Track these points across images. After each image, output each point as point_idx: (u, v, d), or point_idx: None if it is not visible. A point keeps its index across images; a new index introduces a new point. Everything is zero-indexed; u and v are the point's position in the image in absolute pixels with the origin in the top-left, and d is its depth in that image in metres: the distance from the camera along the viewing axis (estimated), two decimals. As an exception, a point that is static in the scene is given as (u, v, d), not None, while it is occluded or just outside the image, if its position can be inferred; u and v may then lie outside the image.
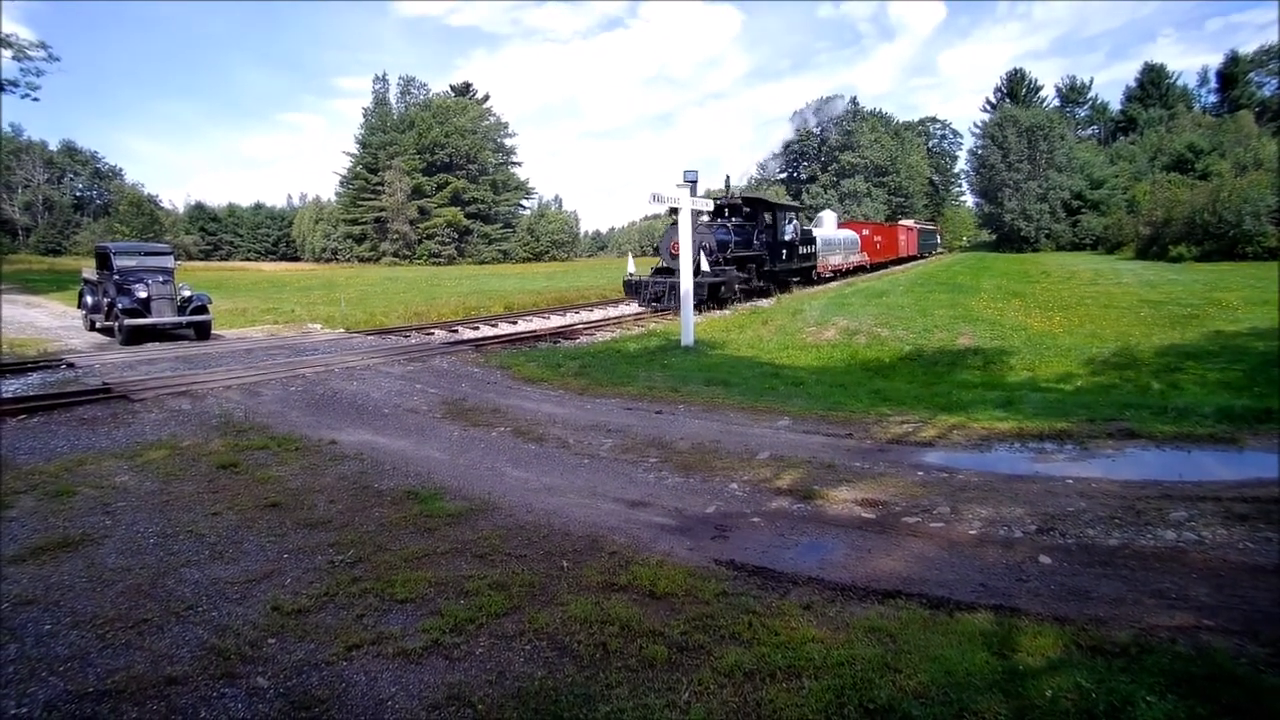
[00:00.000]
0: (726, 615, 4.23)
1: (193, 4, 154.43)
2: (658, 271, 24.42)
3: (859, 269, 44.26)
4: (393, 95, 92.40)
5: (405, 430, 8.94)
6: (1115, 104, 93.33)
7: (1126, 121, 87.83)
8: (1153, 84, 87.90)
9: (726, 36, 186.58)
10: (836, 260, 39.21)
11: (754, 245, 27.02)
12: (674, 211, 19.27)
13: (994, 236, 79.38)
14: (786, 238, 29.66)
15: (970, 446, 7.97)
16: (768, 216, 28.36)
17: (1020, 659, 3.74)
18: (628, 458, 7.76)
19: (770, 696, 3.45)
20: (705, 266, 22.23)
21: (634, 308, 25.09)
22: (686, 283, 16.68)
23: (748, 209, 27.76)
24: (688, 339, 16.26)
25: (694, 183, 18.86)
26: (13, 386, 11.61)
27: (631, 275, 24.28)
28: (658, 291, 23.04)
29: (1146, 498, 6.08)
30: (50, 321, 21.75)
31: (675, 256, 20.02)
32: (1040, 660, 3.73)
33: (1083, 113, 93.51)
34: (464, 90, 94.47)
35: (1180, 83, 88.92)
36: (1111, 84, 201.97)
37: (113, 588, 4.75)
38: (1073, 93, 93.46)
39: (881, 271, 47.85)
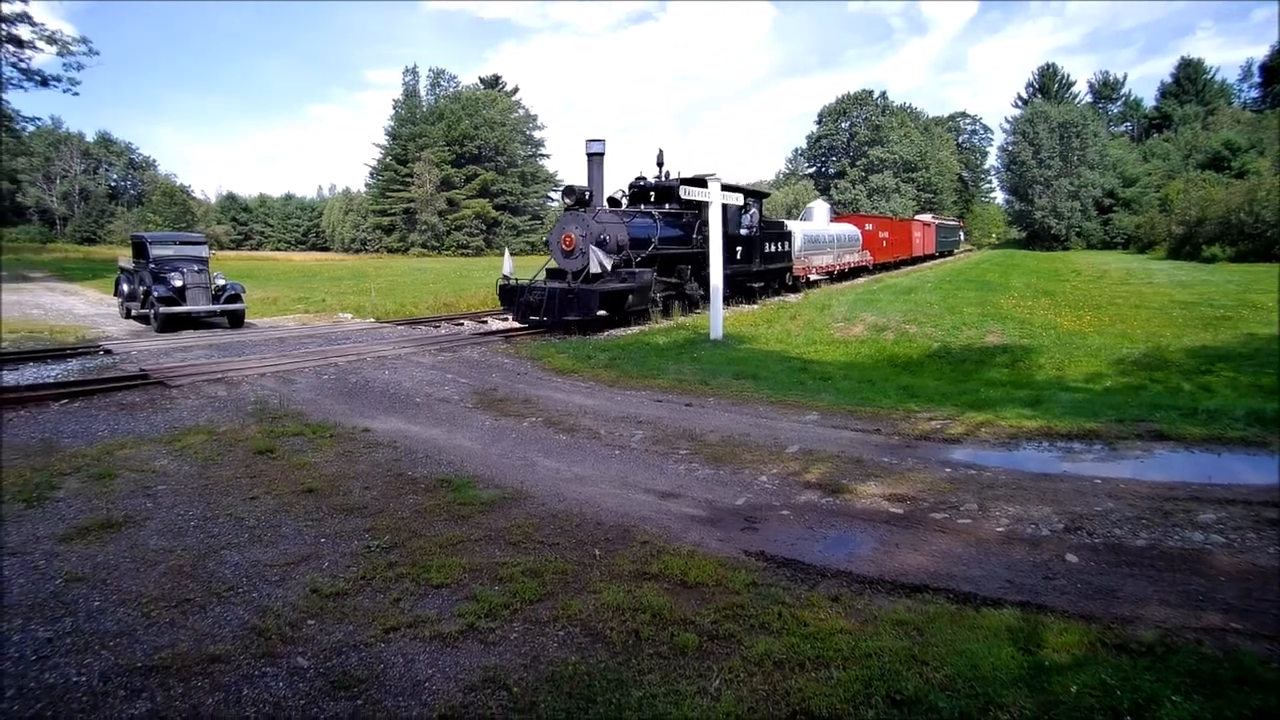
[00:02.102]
0: (756, 605, 4.30)
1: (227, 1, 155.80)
2: (551, 275, 18.89)
3: (858, 270, 37.76)
4: (423, 88, 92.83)
5: (437, 419, 9.07)
6: (1149, 100, 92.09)
7: (1160, 118, 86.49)
8: (1189, 79, 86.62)
9: (756, 32, 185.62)
10: (824, 260, 32.86)
11: (693, 242, 20.97)
12: (566, 195, 18.14)
13: (1024, 234, 78.67)
14: (742, 232, 23.05)
15: (998, 444, 7.98)
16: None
17: (1046, 655, 3.78)
18: (658, 449, 7.84)
19: (799, 685, 3.52)
20: (599, 266, 16.76)
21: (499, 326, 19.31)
22: (716, 278, 16.73)
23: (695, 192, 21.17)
24: (716, 332, 16.30)
25: (600, 154, 17.86)
26: (53, 371, 11.87)
27: (507, 279, 18.29)
28: (534, 301, 17.00)
29: (1175, 499, 6.06)
30: (87, 309, 22.14)
31: (568, 254, 17.22)
32: (1065, 657, 3.77)
33: (1115, 109, 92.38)
34: (493, 83, 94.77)
35: (1219, 78, 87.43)
36: (1145, 79, 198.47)
37: (156, 568, 4.88)
38: (1105, 89, 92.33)
39: (890, 273, 41.58)
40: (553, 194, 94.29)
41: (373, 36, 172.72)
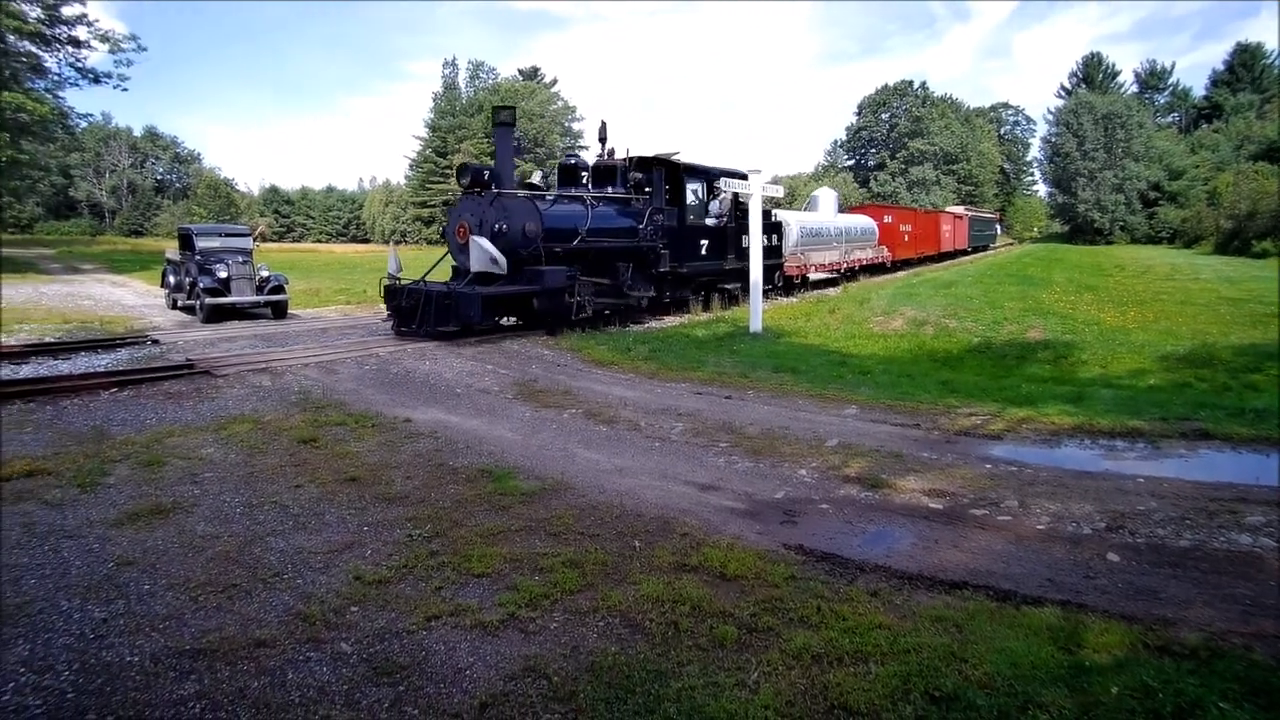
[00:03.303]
0: (795, 599, 4.32)
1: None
2: (457, 274, 15.57)
3: (871, 268, 33.43)
4: (462, 80, 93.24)
5: (478, 410, 9.16)
6: (1199, 89, 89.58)
7: (1210, 108, 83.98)
8: (1244, 66, 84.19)
9: (795, 19, 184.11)
10: (828, 256, 28.70)
11: (641, 233, 17.24)
12: (460, 175, 15.06)
13: (1066, 228, 77.38)
14: (708, 221, 19.38)
15: (1039, 441, 7.90)
16: (670, 189, 18.24)
17: (1086, 655, 3.76)
18: (698, 441, 7.88)
19: (837, 680, 3.53)
20: (483, 263, 13.78)
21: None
22: (756, 272, 16.70)
23: (639, 175, 18.00)
24: (756, 325, 16.29)
25: (508, 124, 15.06)
26: (104, 361, 12.13)
27: (394, 278, 15.25)
28: (407, 306, 14.41)
29: (1220, 500, 5.97)
30: (135, 300, 22.57)
31: (463, 248, 14.50)
32: (1106, 657, 3.74)
33: (1162, 99, 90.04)
34: (532, 74, 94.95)
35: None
36: (1194, 69, 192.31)
37: (203, 553, 4.99)
38: (1152, 78, 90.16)
39: (909, 270, 37.58)
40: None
41: (411, 28, 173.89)
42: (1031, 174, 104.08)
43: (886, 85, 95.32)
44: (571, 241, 15.46)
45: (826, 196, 35.19)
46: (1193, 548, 5.14)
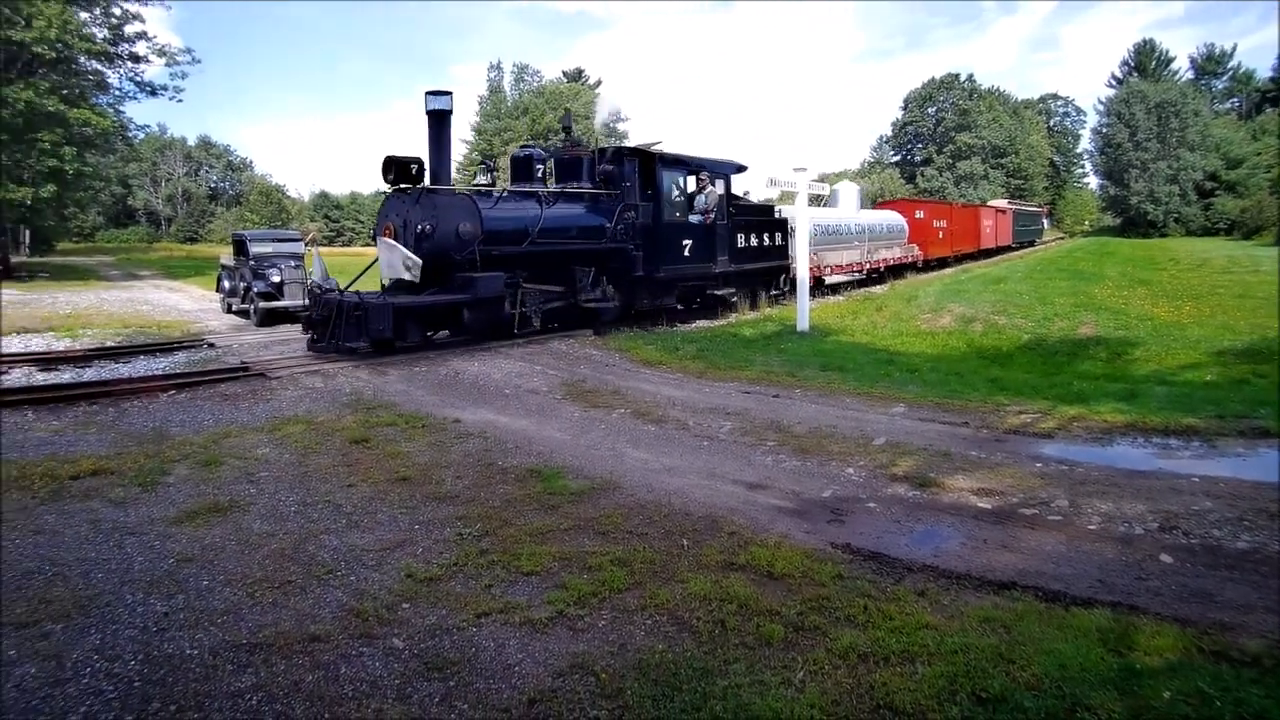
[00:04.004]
0: (842, 598, 4.32)
1: (317, 3, 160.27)
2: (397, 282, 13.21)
3: (899, 268, 30.78)
4: (507, 83, 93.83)
5: (526, 410, 9.26)
6: (1263, 71, 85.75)
7: (1276, 90, 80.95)
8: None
9: (839, 16, 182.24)
10: (847, 256, 26.14)
11: (608, 234, 15.28)
12: (385, 170, 12.81)
13: (1118, 221, 75.58)
14: (692, 219, 17.09)
15: (1091, 440, 7.79)
16: (641, 183, 15.93)
17: (1137, 658, 3.71)
18: (746, 440, 7.90)
19: (883, 680, 3.53)
20: (393, 268, 12.53)
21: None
22: (803, 270, 16.66)
23: (609, 168, 15.91)
24: (803, 324, 16.27)
25: (443, 112, 13.10)
26: (161, 364, 12.46)
27: (319, 287, 13.17)
28: (320, 315, 12.41)
29: (1280, 500, 5.83)
30: (191, 305, 23.10)
31: (420, 240, 12.92)
32: (1158, 661, 3.69)
33: (1221, 84, 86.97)
34: (576, 76, 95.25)
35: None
36: (1259, 50, 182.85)
37: (259, 551, 5.11)
38: (1210, 63, 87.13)
39: (945, 270, 34.69)
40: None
41: (455, 31, 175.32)
42: (1082, 166, 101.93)
43: (933, 79, 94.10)
44: (520, 244, 13.60)
45: (847, 191, 33.50)
46: (1251, 550, 5.03)
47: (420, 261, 12.26)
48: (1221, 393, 9.97)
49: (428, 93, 13.07)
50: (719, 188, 17.84)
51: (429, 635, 4.02)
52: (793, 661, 3.72)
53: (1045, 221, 72.69)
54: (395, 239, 12.84)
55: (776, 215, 21.19)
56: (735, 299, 19.21)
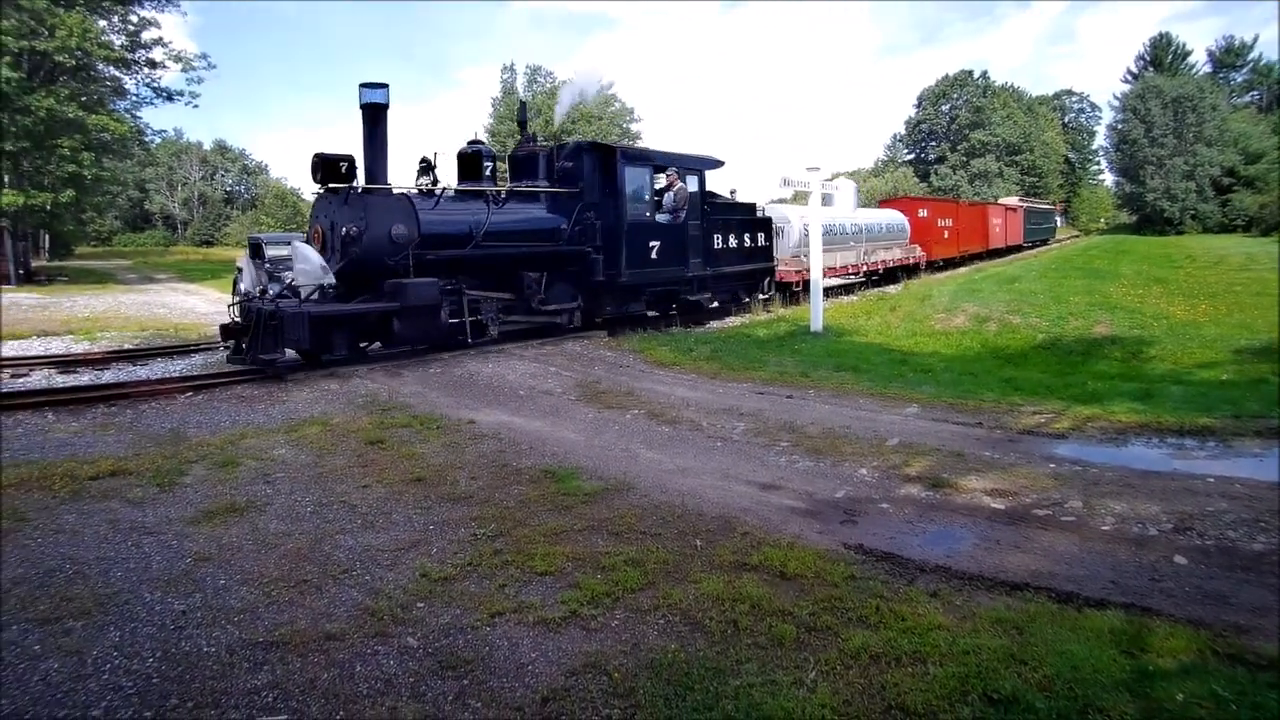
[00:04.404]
0: (854, 598, 4.33)
1: (329, 4, 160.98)
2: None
3: (899, 270, 29.68)
4: (520, 85, 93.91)
5: (541, 411, 9.30)
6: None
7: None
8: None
9: (851, 13, 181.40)
10: (841, 259, 24.89)
11: (564, 235, 14.28)
12: (314, 170, 11.64)
13: (1134, 218, 74.95)
14: (659, 218, 15.93)
15: (1105, 440, 7.76)
16: (601, 180, 14.91)
17: (1151, 660, 3.70)
18: (759, 441, 7.91)
19: (895, 680, 3.54)
20: (307, 275, 11.25)
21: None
22: (817, 272, 16.66)
23: (568, 165, 14.93)
24: (817, 324, 16.28)
25: (379, 105, 11.95)
26: (178, 366, 12.59)
27: (248, 295, 12.11)
28: (239, 325, 11.57)
29: (1298, 501, 5.79)
30: (207, 307, 23.23)
31: (348, 243, 11.45)
32: (1172, 663, 3.68)
33: (1240, 77, 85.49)
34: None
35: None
36: None
37: (275, 550, 5.16)
38: (1228, 55, 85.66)
39: (951, 272, 33.69)
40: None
41: (465, 34, 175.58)
42: (1097, 163, 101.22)
43: (946, 76, 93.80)
44: (464, 247, 12.60)
45: (844, 189, 30.00)
46: (1268, 551, 4.99)
47: (317, 267, 11.17)
48: (1238, 392, 9.92)
49: (362, 85, 11.99)
50: (692, 184, 16.58)
51: (443, 634, 4.05)
52: (805, 661, 3.73)
53: (1059, 219, 71.75)
54: (323, 243, 11.86)
55: (760, 214, 20.09)
56: (712, 305, 18.13)
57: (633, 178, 15.09)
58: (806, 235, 21.72)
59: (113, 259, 53.89)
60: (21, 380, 11.49)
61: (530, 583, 4.65)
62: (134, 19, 35.28)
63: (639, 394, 10.05)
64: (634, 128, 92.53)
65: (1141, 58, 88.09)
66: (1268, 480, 6.30)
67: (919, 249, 31.49)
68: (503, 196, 13.78)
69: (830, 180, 19.91)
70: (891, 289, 26.66)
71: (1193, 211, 67.97)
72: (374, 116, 12.03)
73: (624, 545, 5.17)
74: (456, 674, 3.69)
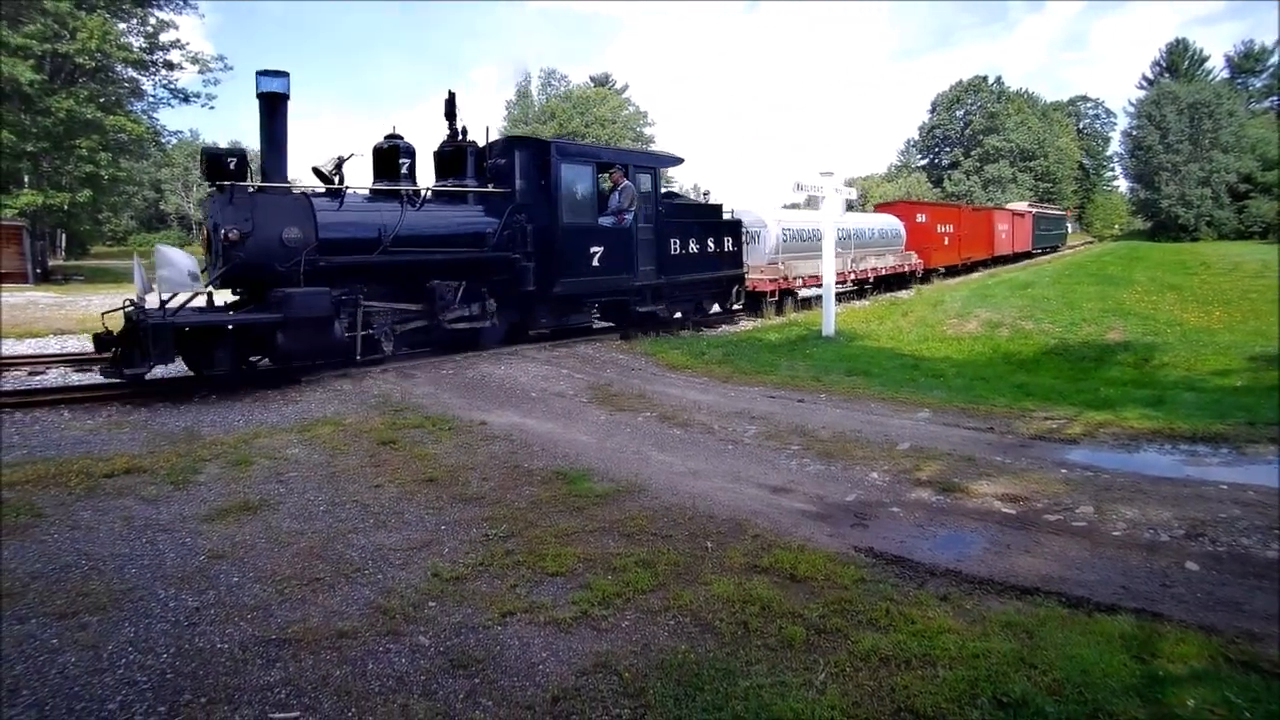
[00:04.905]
0: (864, 601, 4.33)
1: (345, 4, 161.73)
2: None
3: (891, 278, 27.69)
4: (534, 87, 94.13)
5: (552, 413, 9.33)
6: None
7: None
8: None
9: (865, 18, 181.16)
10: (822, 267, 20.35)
11: (496, 238, 12.79)
12: (202, 165, 10.76)
13: (1149, 225, 74.58)
14: (604, 222, 14.54)
15: (1117, 446, 7.75)
16: (535, 179, 13.55)
17: (1161, 665, 3.69)
18: (770, 444, 7.92)
19: (904, 683, 3.54)
20: (180, 277, 10.05)
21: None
22: (830, 274, 16.65)
23: (501, 161, 13.58)
24: (829, 329, 16.28)
25: (278, 95, 10.65)
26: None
27: (136, 305, 9.92)
28: (108, 335, 10.06)
29: (1313, 508, 5.76)
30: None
31: (230, 247, 10.09)
32: (1183, 669, 3.67)
33: (1259, 83, 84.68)
34: (603, 81, 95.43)
35: None
36: None
37: (288, 549, 5.18)
38: (1247, 61, 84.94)
39: (964, 277, 32.85)
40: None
41: (478, 33, 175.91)
42: (1112, 169, 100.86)
43: (960, 81, 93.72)
44: (370, 252, 11.35)
45: (829, 190, 27.31)
46: (1280, 557, 4.99)
47: (183, 273, 10.05)
48: (1252, 399, 9.88)
49: (259, 73, 10.69)
50: (645, 183, 15.15)
51: (455, 633, 4.07)
52: (814, 663, 3.73)
53: (1069, 225, 70.94)
54: (209, 247, 10.80)
55: (727, 216, 18.61)
56: (666, 316, 16.49)
57: (571, 176, 13.85)
58: (785, 240, 21.83)
59: (128, 259, 54.26)
60: (38, 378, 11.57)
61: (541, 583, 4.67)
62: (153, 21, 35.63)
63: (651, 397, 10.07)
64: (648, 131, 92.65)
65: (1157, 63, 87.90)
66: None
67: (915, 256, 29.50)
68: (422, 197, 12.45)
69: (847, 185, 19.56)
70: (904, 294, 26.53)
71: (1208, 218, 67.63)
72: (271, 107, 10.76)
73: (635, 547, 5.19)
74: (468, 673, 3.71)
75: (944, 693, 3.45)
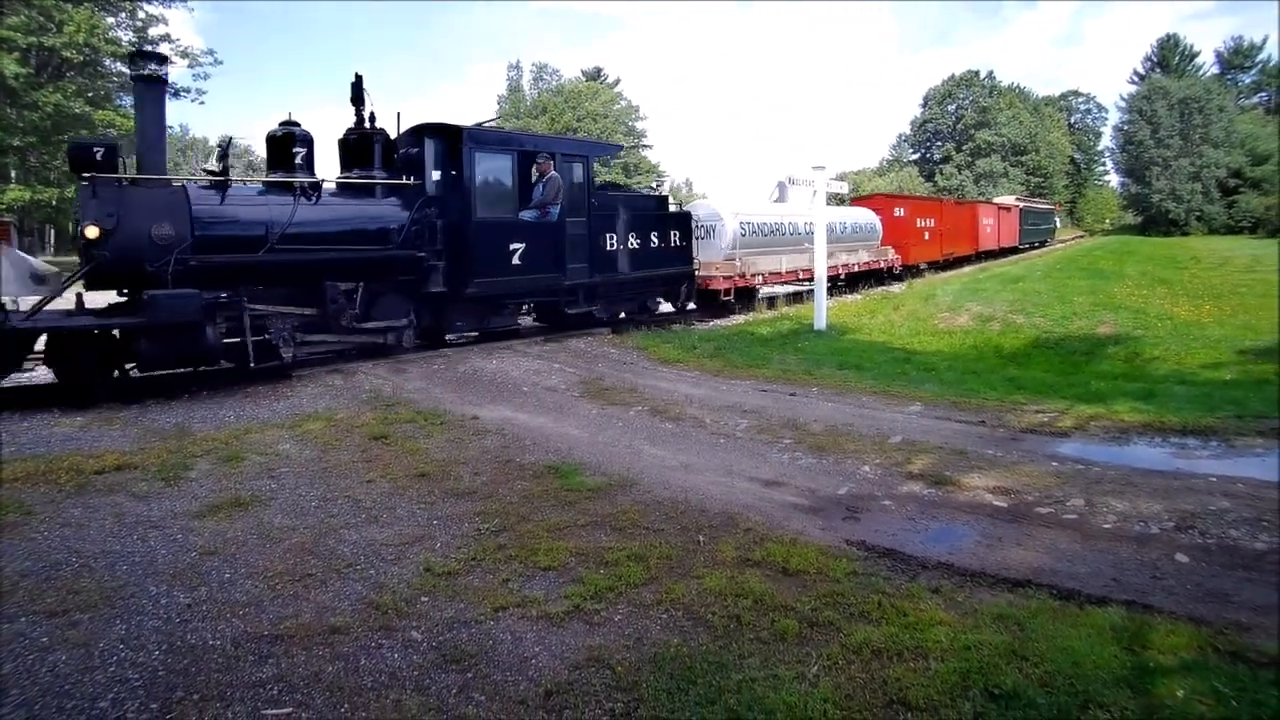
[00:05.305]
0: (856, 594, 4.34)
1: (341, 3, 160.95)
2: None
3: (866, 276, 26.53)
4: (526, 82, 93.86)
5: (544, 407, 9.33)
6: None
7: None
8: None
9: (859, 14, 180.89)
10: (789, 263, 21.37)
11: (403, 234, 11.64)
12: (70, 153, 9.93)
13: (1139, 219, 74.84)
14: (526, 216, 13.33)
15: (1108, 439, 7.77)
16: (447, 169, 12.67)
17: (1151, 656, 3.71)
18: (762, 438, 7.92)
19: (896, 675, 3.55)
20: (18, 278, 10.00)
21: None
22: (821, 268, 16.67)
23: (412, 151, 12.65)
24: (820, 323, 16.32)
25: (153, 79, 9.84)
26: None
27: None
28: None
29: (1301, 500, 5.79)
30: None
31: (90, 245, 9.14)
32: (1173, 660, 3.69)
33: (1248, 78, 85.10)
34: (595, 75, 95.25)
35: None
36: None
37: (280, 545, 5.18)
38: (1237, 56, 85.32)
39: (955, 271, 32.42)
40: (655, 185, 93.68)
41: (474, 32, 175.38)
42: (1103, 164, 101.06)
43: (953, 76, 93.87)
44: (256, 250, 10.28)
45: (800, 185, 25.21)
46: (1270, 550, 5.00)
47: (24, 273, 9.54)
48: (1242, 392, 9.93)
49: (131, 55, 10.06)
50: (576, 173, 14.08)
51: (447, 628, 4.07)
52: (807, 656, 3.74)
53: (1058, 220, 70.27)
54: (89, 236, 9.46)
55: (673, 209, 17.30)
56: (602, 317, 15.24)
57: (486, 166, 12.70)
58: (743, 234, 20.14)
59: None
60: (28, 376, 11.50)
61: (533, 577, 4.67)
62: (141, 15, 35.50)
63: (642, 391, 10.07)
64: (639, 125, 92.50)
65: (1149, 59, 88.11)
66: (1270, 480, 6.29)
67: (892, 252, 28.16)
68: (320, 190, 11.18)
69: (838, 180, 19.54)
70: (895, 288, 26.57)
71: (1198, 213, 67.90)
72: (146, 92, 9.99)
73: (627, 540, 5.19)
74: (460, 667, 3.71)
75: (936, 685, 3.46)
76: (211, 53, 39.88)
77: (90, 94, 32.59)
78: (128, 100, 37.35)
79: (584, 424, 8.55)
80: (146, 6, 35.70)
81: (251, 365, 10.21)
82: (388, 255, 11.56)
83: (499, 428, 8.23)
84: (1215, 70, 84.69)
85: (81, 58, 31.52)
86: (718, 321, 17.76)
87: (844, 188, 20.71)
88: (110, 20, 33.80)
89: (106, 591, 4.46)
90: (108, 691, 3.49)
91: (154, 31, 36.04)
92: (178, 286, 9.36)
